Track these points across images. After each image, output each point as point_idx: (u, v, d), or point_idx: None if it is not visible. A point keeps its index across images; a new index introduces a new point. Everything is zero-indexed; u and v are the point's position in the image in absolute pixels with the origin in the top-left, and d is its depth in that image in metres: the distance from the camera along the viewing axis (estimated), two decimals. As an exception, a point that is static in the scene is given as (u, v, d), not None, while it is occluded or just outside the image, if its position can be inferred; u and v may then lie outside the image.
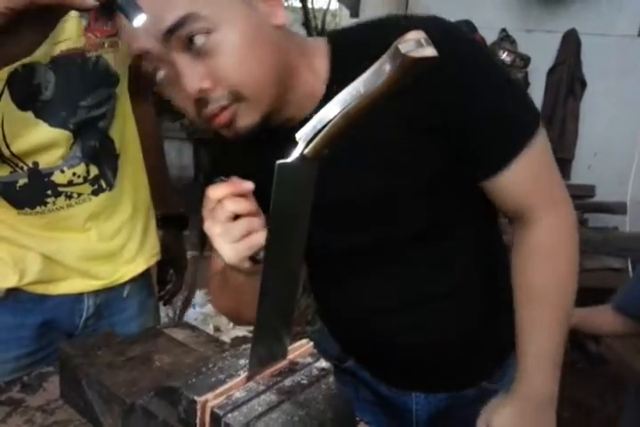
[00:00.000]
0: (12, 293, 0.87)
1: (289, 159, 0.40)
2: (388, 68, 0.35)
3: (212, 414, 0.42)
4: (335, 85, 0.59)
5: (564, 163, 2.84)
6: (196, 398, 0.43)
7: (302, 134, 0.40)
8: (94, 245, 0.90)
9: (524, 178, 0.63)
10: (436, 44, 0.55)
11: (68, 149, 0.82)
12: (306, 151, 0.40)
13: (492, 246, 0.76)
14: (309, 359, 0.50)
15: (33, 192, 0.82)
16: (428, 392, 0.79)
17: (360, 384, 0.83)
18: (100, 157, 0.87)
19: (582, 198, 2.73)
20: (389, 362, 0.78)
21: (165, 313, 2.75)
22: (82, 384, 0.57)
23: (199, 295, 3.17)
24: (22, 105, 0.77)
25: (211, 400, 0.42)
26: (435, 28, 0.55)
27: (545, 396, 0.69)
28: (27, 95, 0.77)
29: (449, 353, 0.75)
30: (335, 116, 0.38)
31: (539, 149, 0.62)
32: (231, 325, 2.91)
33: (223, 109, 0.56)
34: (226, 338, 2.55)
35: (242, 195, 0.52)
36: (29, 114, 0.78)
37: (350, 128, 0.39)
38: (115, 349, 0.60)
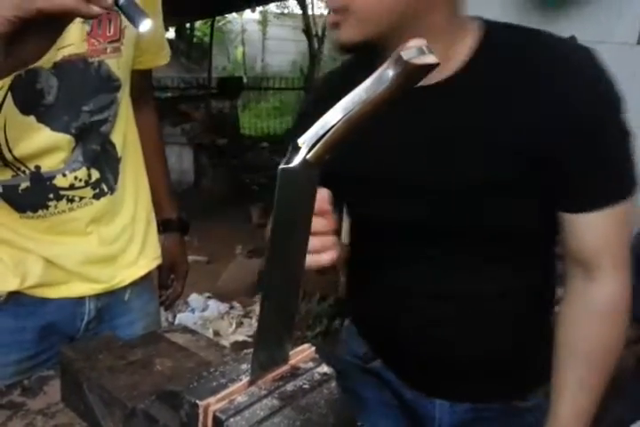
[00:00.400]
0: (13, 296, 0.87)
1: (291, 164, 0.40)
2: (390, 74, 0.35)
3: (215, 418, 0.42)
4: (472, 68, 0.63)
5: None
6: (197, 402, 0.43)
7: (305, 140, 0.40)
8: (95, 248, 0.90)
9: (601, 230, 0.64)
10: (580, 71, 0.61)
11: (69, 153, 0.83)
12: (308, 156, 0.40)
13: (547, 274, 0.76)
14: (311, 364, 0.50)
15: (35, 196, 0.82)
16: (452, 400, 0.78)
17: (384, 386, 0.83)
18: (102, 160, 0.87)
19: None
20: (414, 364, 0.78)
21: (165, 317, 2.75)
22: (83, 388, 0.57)
23: (198, 300, 3.17)
24: (25, 109, 0.78)
25: (213, 404, 0.42)
26: (585, 57, 0.62)
27: None
28: (29, 100, 0.77)
29: (473, 364, 0.74)
30: (338, 122, 0.38)
31: (625, 211, 0.64)
32: (231, 329, 2.91)
33: (334, 12, 0.63)
34: (225, 343, 2.55)
35: (321, 213, 0.52)
36: (32, 118, 0.79)
37: (352, 134, 0.39)
38: (116, 353, 0.60)
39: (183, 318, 2.93)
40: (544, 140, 0.62)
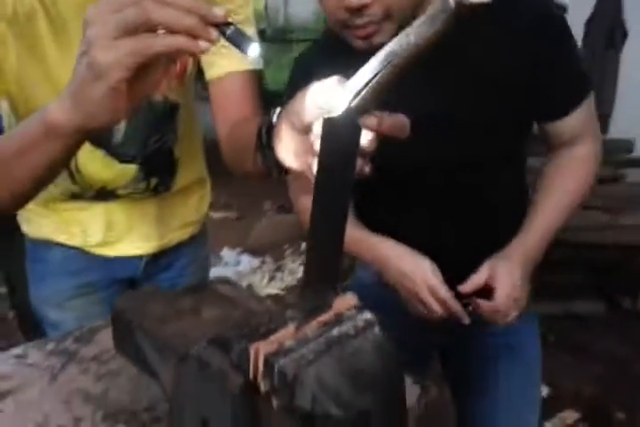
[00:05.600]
0: (75, 251, 0.98)
1: (336, 114, 0.40)
2: (441, 16, 0.34)
3: (265, 360, 0.44)
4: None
5: (602, 118, 2.73)
6: (248, 345, 0.45)
7: (350, 87, 0.40)
8: (150, 214, 0.99)
9: (580, 119, 0.84)
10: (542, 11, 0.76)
11: (134, 177, 0.90)
12: (354, 104, 0.40)
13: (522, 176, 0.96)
14: (354, 311, 0.51)
15: (98, 199, 0.93)
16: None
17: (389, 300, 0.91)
18: (162, 168, 0.94)
19: (620, 153, 2.64)
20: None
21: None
22: (135, 336, 0.60)
23: (231, 255, 3.25)
24: (95, 144, 0.84)
25: (262, 347, 0.44)
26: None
27: (538, 260, 0.87)
28: (99, 137, 0.83)
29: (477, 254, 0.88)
30: (384, 68, 0.38)
31: (591, 101, 0.85)
32: (264, 283, 2.99)
33: (371, 24, 0.67)
34: (259, 296, 2.62)
35: None
36: (101, 151, 0.85)
37: (398, 79, 0.38)
38: (164, 302, 0.63)
39: (217, 272, 3.01)
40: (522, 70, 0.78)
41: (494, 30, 0.76)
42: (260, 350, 0.44)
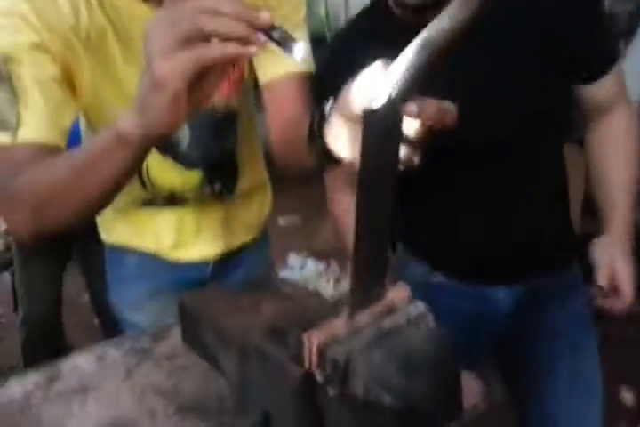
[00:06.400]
0: (148, 258, 1.01)
1: (376, 106, 0.41)
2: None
3: (319, 350, 0.45)
4: None
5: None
6: (302, 334, 0.46)
7: (390, 76, 0.40)
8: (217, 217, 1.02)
9: (611, 81, 0.85)
10: None
11: (199, 182, 0.94)
12: (394, 95, 0.40)
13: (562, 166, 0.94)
14: (407, 302, 0.51)
15: (169, 205, 0.97)
16: (511, 284, 0.92)
17: (442, 298, 0.89)
18: (224, 173, 0.98)
19: None
20: (474, 261, 0.90)
21: (267, 277, 2.88)
22: (200, 330, 0.63)
23: (297, 259, 3.28)
24: (164, 152, 0.89)
25: (315, 336, 0.45)
26: None
27: (630, 227, 0.89)
28: (167, 145, 0.88)
29: (526, 243, 0.89)
30: (423, 56, 0.38)
31: (620, 64, 0.86)
32: (330, 286, 3.00)
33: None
34: (325, 299, 2.63)
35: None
36: (169, 159, 0.90)
37: (436, 65, 0.38)
38: (226, 299, 0.66)
39: (283, 276, 3.04)
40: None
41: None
42: (314, 340, 0.45)
